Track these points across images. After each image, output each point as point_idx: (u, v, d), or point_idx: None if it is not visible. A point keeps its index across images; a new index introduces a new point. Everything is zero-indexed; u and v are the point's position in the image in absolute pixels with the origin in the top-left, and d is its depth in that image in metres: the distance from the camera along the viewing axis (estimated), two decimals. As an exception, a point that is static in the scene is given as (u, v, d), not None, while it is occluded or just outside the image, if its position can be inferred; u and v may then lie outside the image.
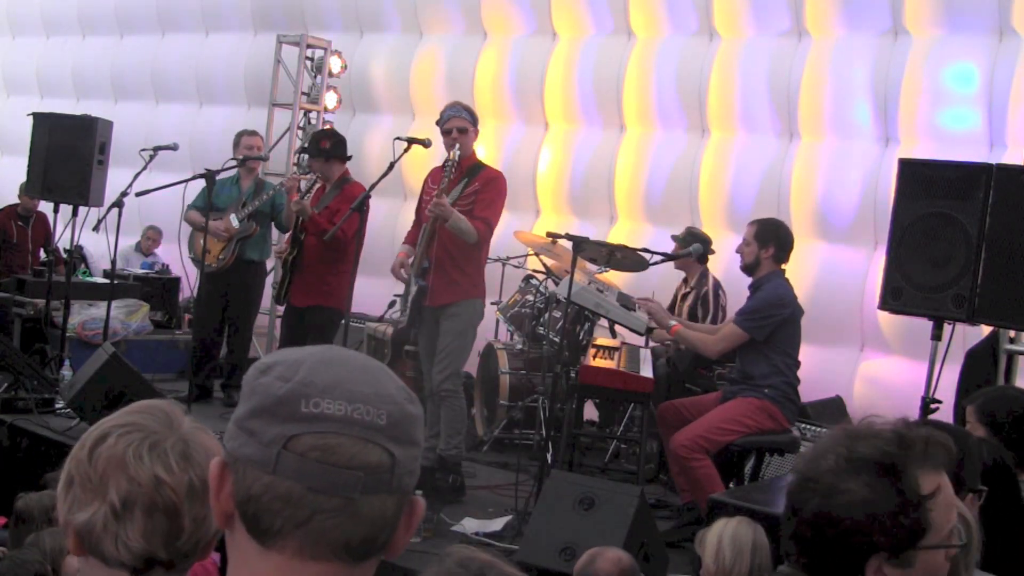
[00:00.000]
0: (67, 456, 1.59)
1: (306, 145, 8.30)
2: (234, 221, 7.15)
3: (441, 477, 5.58)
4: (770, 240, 5.33)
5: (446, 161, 5.59)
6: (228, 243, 7.16)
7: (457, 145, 5.55)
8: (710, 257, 6.64)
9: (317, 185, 6.75)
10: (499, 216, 5.74)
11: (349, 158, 6.74)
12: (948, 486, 1.62)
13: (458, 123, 5.63)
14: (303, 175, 7.26)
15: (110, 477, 1.52)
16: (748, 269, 5.41)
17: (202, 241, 6.93)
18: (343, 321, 5.91)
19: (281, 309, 7.22)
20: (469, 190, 5.61)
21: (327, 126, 8.90)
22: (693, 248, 6.33)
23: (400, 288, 6.00)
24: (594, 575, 3.26)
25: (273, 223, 7.37)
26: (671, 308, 6.46)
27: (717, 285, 6.52)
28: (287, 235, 6.91)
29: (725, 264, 6.78)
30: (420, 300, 5.61)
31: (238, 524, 1.10)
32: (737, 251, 5.48)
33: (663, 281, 7.11)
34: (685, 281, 6.70)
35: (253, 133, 7.52)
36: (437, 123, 5.73)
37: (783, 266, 5.39)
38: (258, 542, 1.09)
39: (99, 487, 1.52)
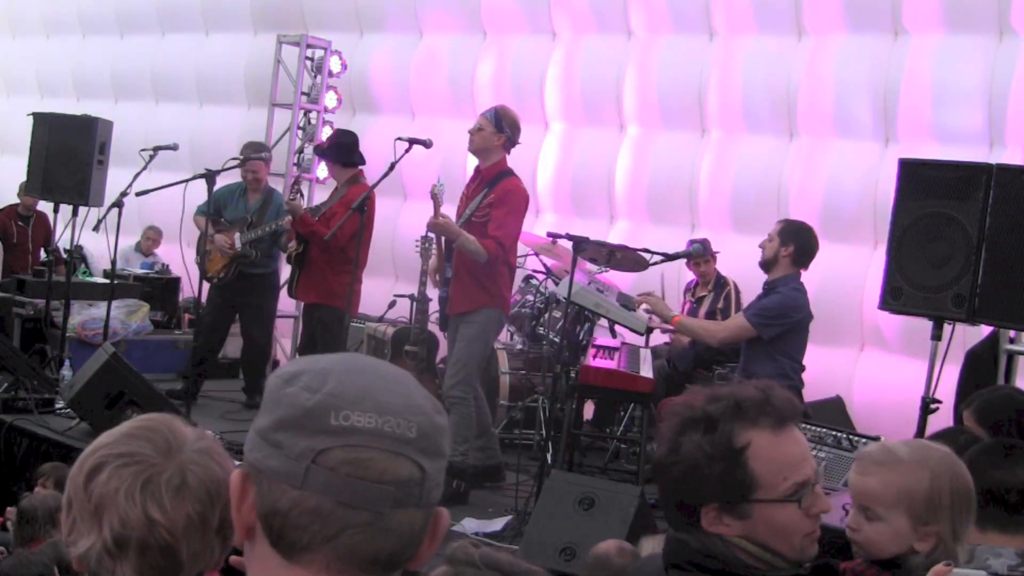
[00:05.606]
0: (70, 461, 1.62)
1: (313, 145, 8.36)
2: (238, 242, 7.12)
3: (445, 481, 5.56)
4: (791, 240, 5.34)
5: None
6: (230, 262, 7.15)
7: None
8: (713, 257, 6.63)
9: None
10: (513, 232, 5.61)
11: (352, 164, 6.69)
12: (770, 443, 1.65)
13: (478, 121, 5.60)
14: (300, 182, 7.24)
15: (103, 512, 1.52)
16: (765, 265, 5.42)
17: (207, 249, 6.96)
18: (347, 322, 5.95)
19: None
20: (486, 202, 5.53)
21: (327, 126, 8.91)
22: (693, 248, 6.33)
23: (403, 288, 6.01)
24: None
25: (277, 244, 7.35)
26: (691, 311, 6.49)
27: (735, 283, 6.55)
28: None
29: (727, 264, 6.77)
30: (444, 308, 5.71)
31: (260, 536, 1.07)
32: (760, 246, 5.49)
33: (663, 281, 7.09)
34: (698, 286, 6.71)
35: (260, 156, 7.27)
36: None
37: (801, 271, 5.39)
38: (283, 556, 1.06)
39: (94, 519, 1.52)
